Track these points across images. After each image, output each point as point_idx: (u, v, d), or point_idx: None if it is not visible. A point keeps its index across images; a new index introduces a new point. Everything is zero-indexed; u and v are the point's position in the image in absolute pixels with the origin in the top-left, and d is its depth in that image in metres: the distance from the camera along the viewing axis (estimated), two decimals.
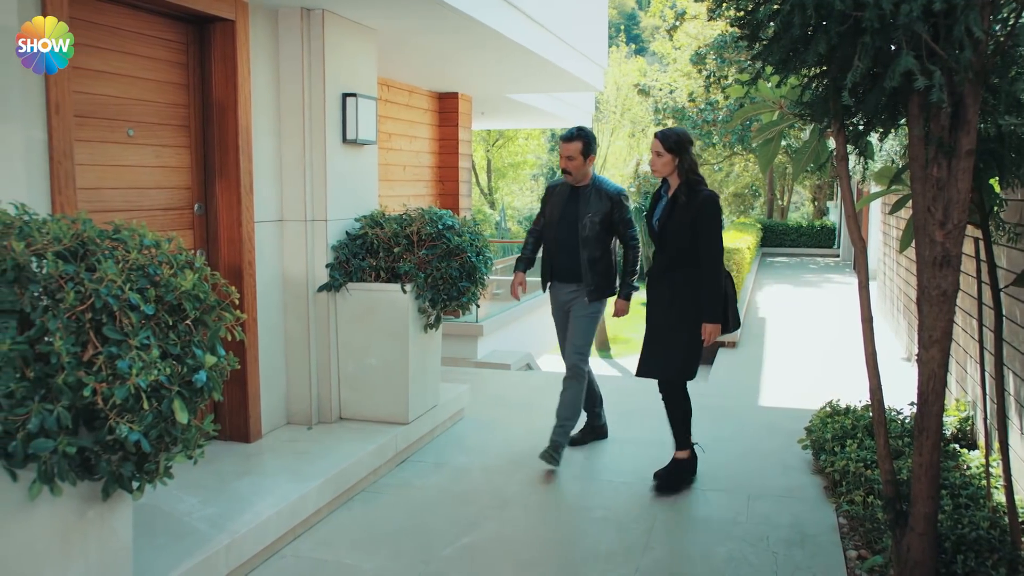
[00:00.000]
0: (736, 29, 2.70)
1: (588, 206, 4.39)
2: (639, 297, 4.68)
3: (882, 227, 11.76)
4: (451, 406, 5.15)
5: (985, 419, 3.69)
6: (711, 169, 27.68)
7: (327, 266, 4.58)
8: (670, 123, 21.40)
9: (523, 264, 4.68)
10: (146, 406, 2.12)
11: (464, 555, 3.40)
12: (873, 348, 2.84)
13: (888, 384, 3.01)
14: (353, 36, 4.74)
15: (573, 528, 3.72)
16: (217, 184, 4.15)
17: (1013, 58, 2.51)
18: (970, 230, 2.96)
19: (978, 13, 2.28)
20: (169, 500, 3.34)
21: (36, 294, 2.09)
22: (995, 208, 3.12)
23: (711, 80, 20.95)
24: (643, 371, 4.13)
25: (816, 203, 32.08)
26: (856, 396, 5.08)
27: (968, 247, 3.78)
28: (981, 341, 3.60)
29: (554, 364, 9.30)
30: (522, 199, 33.70)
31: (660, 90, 23.47)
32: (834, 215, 28.88)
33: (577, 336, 4.45)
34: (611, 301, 4.58)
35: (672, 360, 4.02)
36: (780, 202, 33.10)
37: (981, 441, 4.30)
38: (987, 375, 3.89)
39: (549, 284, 4.63)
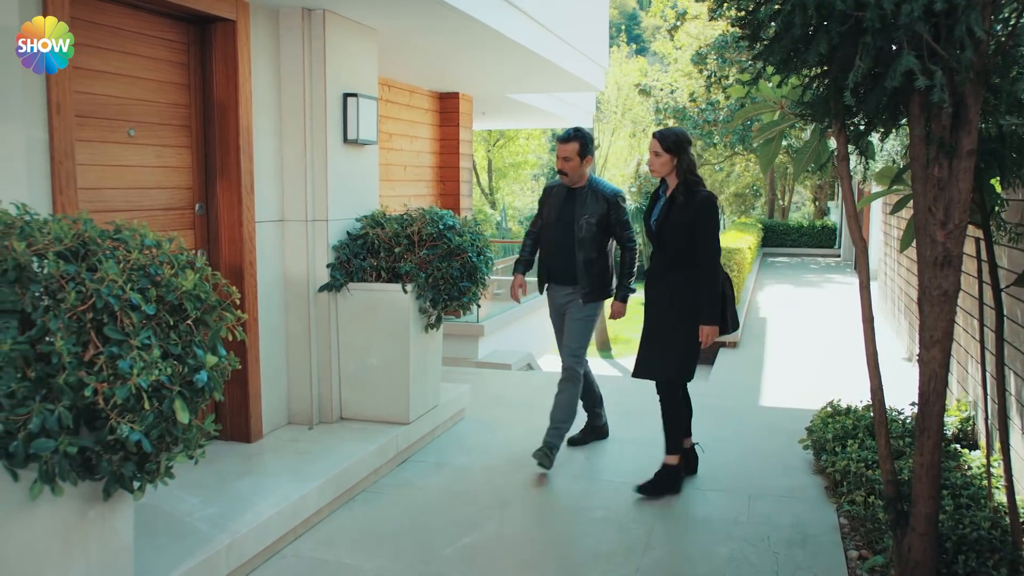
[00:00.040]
0: (737, 29, 2.70)
1: (584, 207, 4.36)
2: (638, 297, 4.68)
3: (883, 227, 11.75)
4: (452, 406, 5.15)
5: (986, 419, 3.69)
6: (712, 169, 27.70)
7: (328, 266, 4.58)
8: (671, 123, 21.40)
9: (522, 266, 4.66)
10: (147, 406, 2.13)
11: (465, 555, 3.40)
12: (874, 348, 2.84)
13: (889, 384, 3.01)
14: (354, 36, 4.74)
15: (573, 528, 3.72)
16: (218, 184, 4.15)
17: (1014, 58, 2.51)
18: (971, 230, 2.95)
19: (979, 13, 2.28)
20: (170, 500, 3.35)
21: (37, 294, 2.09)
22: (996, 208, 3.12)
23: (712, 80, 20.95)
24: (640, 372, 4.06)
25: (817, 203, 32.05)
26: (857, 396, 5.07)
27: (969, 247, 3.76)
28: (982, 341, 3.60)
29: (555, 364, 9.28)
30: (523, 199, 33.72)
31: (661, 90, 23.46)
32: (835, 215, 28.84)
33: (572, 339, 4.43)
34: (608, 303, 4.57)
35: (670, 360, 3.99)
36: (781, 202, 33.08)
37: (982, 441, 4.30)
38: (988, 375, 3.88)
39: (546, 286, 4.60)
